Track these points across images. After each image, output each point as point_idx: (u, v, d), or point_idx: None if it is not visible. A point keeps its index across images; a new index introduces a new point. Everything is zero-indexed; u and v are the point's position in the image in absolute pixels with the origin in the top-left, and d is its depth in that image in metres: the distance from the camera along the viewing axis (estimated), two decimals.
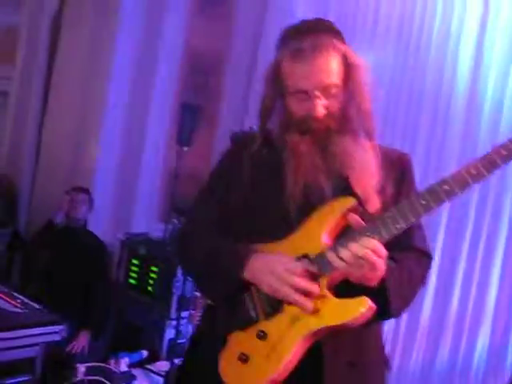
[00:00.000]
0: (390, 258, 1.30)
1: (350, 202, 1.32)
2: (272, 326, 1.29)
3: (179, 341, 3.91)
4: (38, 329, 2.90)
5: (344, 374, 1.35)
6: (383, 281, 1.28)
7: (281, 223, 1.38)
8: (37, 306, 3.13)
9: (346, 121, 1.42)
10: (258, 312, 1.33)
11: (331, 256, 1.24)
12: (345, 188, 1.37)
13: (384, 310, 1.30)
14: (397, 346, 3.96)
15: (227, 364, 1.31)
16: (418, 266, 1.43)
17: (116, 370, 3.50)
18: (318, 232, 1.30)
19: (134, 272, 4.37)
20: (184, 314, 4.03)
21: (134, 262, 4.36)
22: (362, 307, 1.21)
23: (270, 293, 1.30)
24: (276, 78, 1.44)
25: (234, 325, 1.35)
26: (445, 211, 3.78)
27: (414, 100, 4.13)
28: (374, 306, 1.22)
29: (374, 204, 1.34)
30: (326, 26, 1.42)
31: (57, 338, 2.92)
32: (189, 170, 4.32)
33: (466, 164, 1.24)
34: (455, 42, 3.96)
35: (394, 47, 4.26)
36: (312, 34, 1.37)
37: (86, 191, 4.31)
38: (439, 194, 1.22)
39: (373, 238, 1.22)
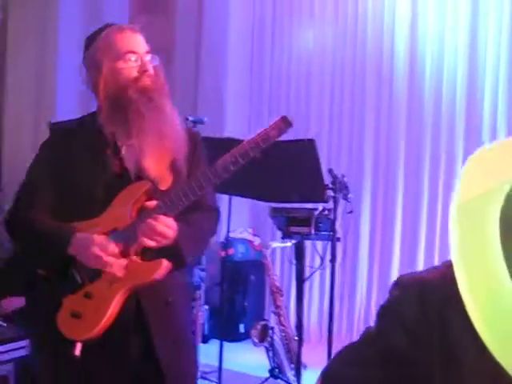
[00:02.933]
0: (184, 219, 1.65)
1: (145, 185, 1.64)
2: (95, 288, 1.64)
3: None
4: (4, 346, 2.87)
5: (161, 311, 1.70)
6: (177, 240, 1.62)
7: (91, 202, 1.67)
8: (2, 324, 3.10)
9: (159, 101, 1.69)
10: (84, 278, 1.66)
11: (133, 231, 1.60)
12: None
13: (181, 260, 1.66)
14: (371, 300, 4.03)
15: (63, 321, 1.63)
16: (207, 221, 1.79)
17: None
18: (125, 211, 1.63)
19: None
20: None
21: None
22: (158, 268, 1.58)
23: (89, 266, 1.62)
24: (95, 62, 1.69)
25: (65, 290, 1.66)
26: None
27: (358, 72, 4.17)
28: (168, 264, 1.60)
29: (166, 183, 1.64)
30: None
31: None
32: None
33: (248, 140, 1.61)
34: (391, 8, 4.01)
35: (333, 24, 4.30)
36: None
37: None
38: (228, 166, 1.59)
39: (165, 213, 1.57)
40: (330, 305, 2.97)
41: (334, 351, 3.30)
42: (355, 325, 4.21)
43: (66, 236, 1.63)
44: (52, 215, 1.70)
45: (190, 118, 3.30)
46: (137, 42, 1.68)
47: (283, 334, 3.49)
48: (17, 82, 5.23)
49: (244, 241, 4.60)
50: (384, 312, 0.91)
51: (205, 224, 1.78)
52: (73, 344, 1.60)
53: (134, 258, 1.63)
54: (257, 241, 4.68)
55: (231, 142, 3.23)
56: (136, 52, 1.67)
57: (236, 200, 3.48)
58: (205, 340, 4.35)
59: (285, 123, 1.55)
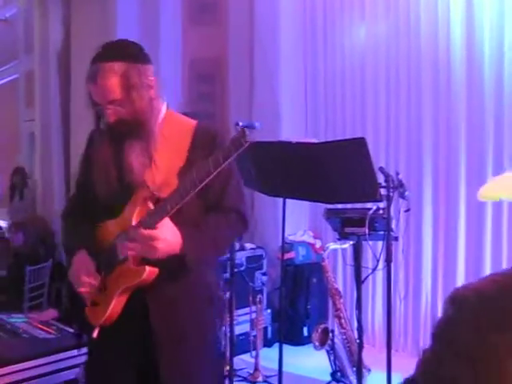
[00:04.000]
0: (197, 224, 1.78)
1: (144, 192, 1.77)
2: (108, 281, 1.84)
3: None
4: (72, 351, 2.98)
5: (164, 310, 1.80)
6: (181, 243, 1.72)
7: (114, 202, 1.81)
8: (71, 330, 3.22)
9: (140, 122, 1.78)
10: (104, 272, 1.86)
11: (123, 245, 1.78)
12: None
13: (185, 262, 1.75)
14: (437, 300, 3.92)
15: (88, 308, 1.88)
16: (225, 222, 1.83)
17: None
18: (130, 217, 1.78)
19: None
20: None
21: None
22: (141, 274, 1.74)
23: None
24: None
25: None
26: None
27: (413, 66, 4.06)
28: (152, 270, 1.74)
29: (166, 191, 1.71)
30: (111, 53, 1.78)
31: None
32: None
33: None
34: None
35: (385, 19, 4.21)
36: (98, 61, 1.77)
37: None
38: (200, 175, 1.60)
39: (162, 216, 1.68)
40: (388, 306, 2.90)
41: (396, 354, 3.23)
42: (421, 326, 4.08)
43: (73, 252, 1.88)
44: (84, 213, 1.90)
45: (241, 124, 3.31)
46: (97, 94, 1.76)
47: (344, 337, 3.43)
48: (81, 83, 5.47)
49: (305, 244, 4.58)
50: (438, 334, 0.89)
51: (222, 225, 1.82)
52: (93, 328, 1.85)
53: (129, 261, 1.79)
54: (318, 243, 4.65)
55: (280, 145, 3.26)
56: (97, 103, 1.78)
57: (296, 203, 3.47)
58: (268, 344, 4.36)
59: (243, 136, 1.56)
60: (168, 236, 1.70)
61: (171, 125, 1.84)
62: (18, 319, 3.25)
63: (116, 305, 1.81)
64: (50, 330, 3.21)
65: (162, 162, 1.77)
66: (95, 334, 1.83)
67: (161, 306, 1.81)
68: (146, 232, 1.68)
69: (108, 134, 1.82)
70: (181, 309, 1.83)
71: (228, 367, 3.63)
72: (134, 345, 1.84)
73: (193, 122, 1.87)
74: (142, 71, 1.78)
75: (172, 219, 1.70)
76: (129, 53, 1.81)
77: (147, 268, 1.75)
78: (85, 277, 1.82)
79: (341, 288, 3.59)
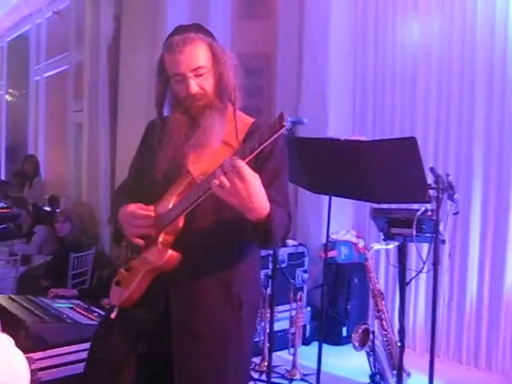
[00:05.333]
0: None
1: (187, 179, 1.74)
2: (134, 263, 1.84)
3: None
4: None
5: (184, 304, 1.76)
6: (270, 213, 1.58)
7: (152, 188, 1.81)
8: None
9: (218, 97, 1.76)
10: (131, 251, 1.89)
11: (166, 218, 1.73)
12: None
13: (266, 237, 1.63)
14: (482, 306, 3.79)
15: (112, 288, 1.90)
16: (282, 212, 1.70)
17: None
18: (169, 200, 1.75)
19: None
20: None
21: None
22: (162, 256, 1.72)
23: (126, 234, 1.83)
24: (161, 72, 1.80)
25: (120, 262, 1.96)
26: None
27: (467, 65, 3.95)
28: (175, 255, 1.71)
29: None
30: (195, 27, 1.79)
31: None
32: None
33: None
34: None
35: (439, 15, 4.11)
36: (181, 32, 1.76)
37: None
38: (245, 148, 1.50)
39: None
40: (433, 310, 2.83)
41: (437, 359, 3.16)
42: (464, 333, 3.98)
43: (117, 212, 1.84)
44: (134, 199, 1.86)
45: (290, 119, 3.28)
46: (181, 62, 1.72)
47: (385, 339, 3.38)
48: (129, 75, 5.54)
49: (348, 243, 4.53)
50: None
51: (280, 214, 1.68)
52: (113, 308, 1.86)
53: (158, 243, 1.75)
54: (360, 243, 4.59)
55: (329, 142, 3.21)
56: (180, 74, 1.74)
57: (339, 201, 3.42)
58: (306, 342, 4.32)
59: (279, 123, 1.43)
60: (262, 192, 1.54)
61: (229, 117, 1.79)
62: (62, 304, 3.31)
63: (137, 286, 1.79)
64: (93, 317, 3.25)
65: (211, 152, 1.73)
66: (113, 315, 1.81)
67: (181, 300, 1.77)
68: (248, 170, 1.48)
69: (182, 106, 1.76)
70: (200, 306, 1.77)
71: (266, 363, 3.63)
72: (146, 335, 1.79)
73: (250, 119, 1.83)
74: (224, 50, 1.79)
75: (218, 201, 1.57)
76: (209, 32, 1.82)
77: (169, 251, 1.72)
78: (141, 210, 1.75)
79: (382, 289, 3.52)
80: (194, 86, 1.73)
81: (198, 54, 1.73)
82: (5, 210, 2.77)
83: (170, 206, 1.73)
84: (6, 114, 10.36)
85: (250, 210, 1.53)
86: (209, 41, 1.76)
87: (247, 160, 1.49)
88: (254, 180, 1.49)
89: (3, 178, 9.84)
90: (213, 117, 1.73)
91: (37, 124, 8.76)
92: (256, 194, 1.51)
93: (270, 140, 1.45)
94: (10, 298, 3.37)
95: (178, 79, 1.75)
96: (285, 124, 1.42)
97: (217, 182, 1.49)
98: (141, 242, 1.79)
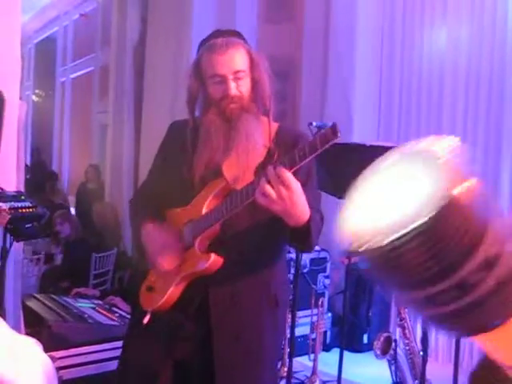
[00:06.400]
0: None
1: (221, 183, 1.75)
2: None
3: None
4: None
5: (225, 305, 1.77)
6: (309, 219, 1.61)
7: (187, 191, 1.81)
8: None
9: (253, 102, 1.79)
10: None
11: (202, 224, 1.74)
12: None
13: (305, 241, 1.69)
14: None
15: (142, 293, 1.88)
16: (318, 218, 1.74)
17: None
18: (202, 205, 1.76)
19: None
20: None
21: None
22: (206, 261, 1.71)
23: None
24: (197, 72, 1.82)
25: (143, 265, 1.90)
26: None
27: (495, 72, 3.89)
28: (218, 258, 1.70)
29: (242, 183, 1.67)
30: (234, 33, 1.85)
31: None
32: None
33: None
34: None
35: (468, 22, 4.05)
36: (223, 36, 1.80)
37: None
38: (294, 156, 1.51)
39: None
40: None
41: (462, 370, 3.10)
42: None
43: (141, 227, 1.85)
44: (159, 201, 1.88)
45: (314, 124, 3.27)
46: (223, 64, 1.75)
47: (407, 348, 3.33)
48: (154, 78, 5.57)
49: None
50: None
51: (316, 218, 1.71)
52: (145, 314, 1.82)
53: (195, 248, 1.75)
54: None
55: (354, 148, 3.19)
56: (220, 75, 1.76)
57: None
58: (327, 348, 4.29)
59: (333, 133, 1.46)
60: (303, 198, 1.57)
61: (263, 123, 1.82)
62: (84, 304, 3.33)
63: (173, 292, 1.78)
64: (114, 317, 3.26)
65: (242, 157, 1.75)
66: (146, 320, 1.81)
67: (221, 301, 1.78)
68: (293, 180, 1.51)
69: (217, 108, 1.79)
70: (240, 306, 1.79)
71: (286, 368, 3.60)
72: (182, 340, 1.81)
73: (275, 124, 1.86)
74: (261, 57, 1.83)
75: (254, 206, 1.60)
76: (245, 39, 1.86)
77: (213, 255, 1.72)
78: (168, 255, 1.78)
79: None
80: (234, 88, 1.76)
81: (239, 58, 1.77)
82: (29, 210, 2.80)
83: (204, 211, 1.74)
84: (33, 114, 10.51)
85: (291, 216, 1.57)
86: (247, 47, 1.81)
87: (294, 170, 1.51)
88: (297, 188, 1.52)
89: (28, 176, 9.95)
90: (249, 121, 1.77)
91: (62, 124, 8.87)
92: (299, 202, 1.54)
93: (321, 150, 1.47)
94: (34, 296, 3.40)
95: (217, 80, 1.77)
96: (339, 135, 1.45)
97: (261, 190, 1.52)
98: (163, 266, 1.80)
